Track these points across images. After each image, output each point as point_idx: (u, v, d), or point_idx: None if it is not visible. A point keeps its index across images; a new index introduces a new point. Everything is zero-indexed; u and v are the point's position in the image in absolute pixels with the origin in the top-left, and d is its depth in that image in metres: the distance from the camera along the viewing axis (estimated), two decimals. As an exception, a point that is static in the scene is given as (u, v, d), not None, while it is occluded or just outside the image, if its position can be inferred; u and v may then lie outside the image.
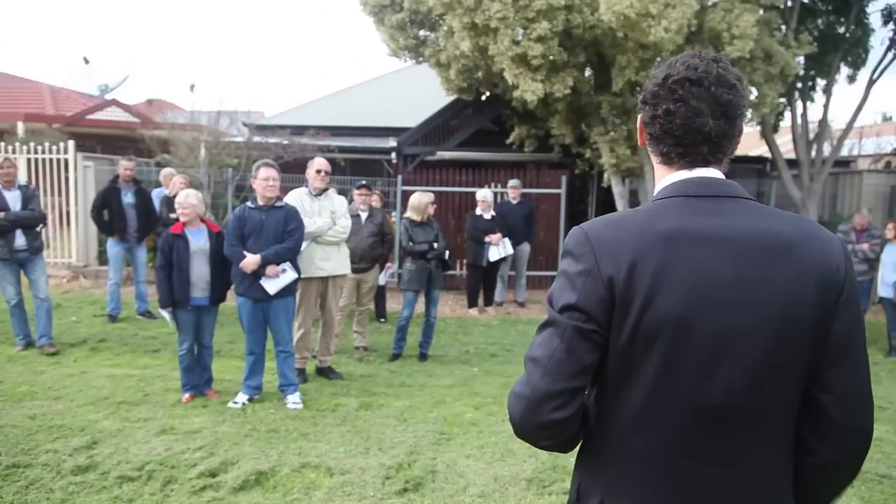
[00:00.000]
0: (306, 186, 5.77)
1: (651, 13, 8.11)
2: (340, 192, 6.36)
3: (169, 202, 7.56)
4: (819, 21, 11.74)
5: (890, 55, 11.81)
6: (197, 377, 5.22)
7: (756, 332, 1.15)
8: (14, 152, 10.34)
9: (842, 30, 11.63)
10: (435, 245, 6.48)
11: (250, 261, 4.89)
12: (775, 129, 12.40)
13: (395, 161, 13.07)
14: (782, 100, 11.45)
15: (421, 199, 6.58)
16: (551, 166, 12.89)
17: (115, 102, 16.43)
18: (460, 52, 10.36)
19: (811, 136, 11.99)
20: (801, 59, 10.97)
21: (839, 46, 11.50)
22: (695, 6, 8.28)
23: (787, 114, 12.18)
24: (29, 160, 10.44)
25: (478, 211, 8.79)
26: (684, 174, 1.26)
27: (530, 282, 10.51)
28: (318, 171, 5.71)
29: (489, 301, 9.44)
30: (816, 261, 1.18)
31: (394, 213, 10.44)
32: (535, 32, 8.94)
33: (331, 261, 5.79)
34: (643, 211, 1.24)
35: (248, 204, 5.13)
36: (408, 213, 6.67)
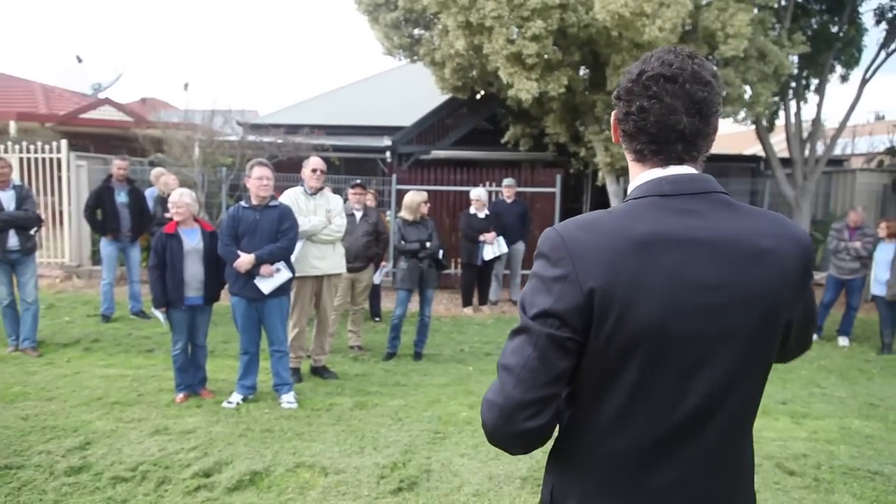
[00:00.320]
0: (302, 185, 5.77)
1: (645, 12, 8.12)
2: (335, 192, 6.35)
3: (163, 201, 7.53)
4: (812, 20, 11.78)
5: (882, 55, 11.86)
6: (191, 377, 5.21)
7: (735, 335, 1.16)
8: (6, 151, 10.28)
9: (835, 29, 11.68)
10: (428, 244, 6.48)
11: (244, 260, 4.87)
12: (770, 128, 12.44)
13: (389, 160, 13.06)
14: (776, 99, 11.50)
15: (414, 199, 6.58)
16: (546, 165, 12.89)
17: (108, 101, 16.35)
18: (455, 51, 10.35)
19: (805, 135, 12.04)
20: (795, 59, 11.00)
21: (832, 46, 11.54)
22: (689, 5, 8.30)
23: (781, 113, 12.22)
24: (21, 159, 10.38)
25: (472, 210, 8.79)
26: (658, 172, 1.24)
27: (525, 280, 10.45)
28: (314, 171, 5.70)
29: (484, 300, 9.45)
30: (790, 262, 1.20)
31: (388, 213, 10.44)
32: (530, 31, 8.94)
33: (326, 260, 5.80)
34: (618, 212, 1.20)
35: (242, 203, 5.12)
36: (401, 212, 6.68)
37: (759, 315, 1.17)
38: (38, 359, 6.14)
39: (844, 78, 12.47)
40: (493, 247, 8.73)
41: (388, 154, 13.11)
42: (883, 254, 7.68)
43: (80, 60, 19.83)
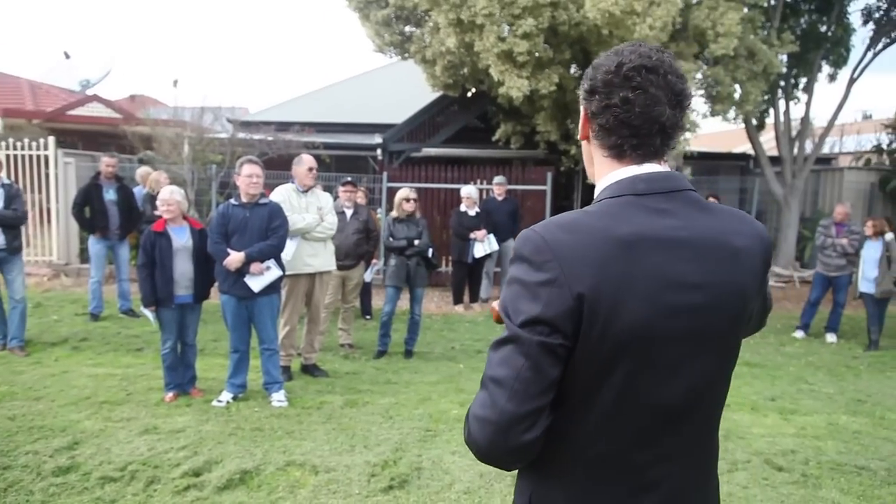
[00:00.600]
0: (292, 182, 5.75)
1: (636, 10, 8.14)
2: (326, 189, 6.34)
3: (152, 199, 7.49)
4: (801, 20, 11.86)
5: (870, 54, 11.96)
6: (180, 376, 5.18)
7: (714, 334, 1.18)
8: (-7, 148, 10.19)
9: (823, 29, 11.76)
10: (416, 242, 6.48)
11: (234, 258, 4.85)
12: (759, 126, 12.51)
13: (380, 158, 13.03)
14: (765, 97, 11.57)
15: (398, 195, 6.61)
16: (537, 163, 12.90)
17: (96, 98, 16.23)
18: (446, 49, 10.34)
19: (794, 133, 12.11)
20: (784, 58, 11.08)
21: (821, 45, 11.62)
22: (679, 4, 8.33)
23: (771, 111, 12.30)
24: (8, 156, 10.28)
25: (463, 207, 8.79)
26: (633, 170, 1.22)
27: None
28: (311, 169, 5.71)
29: (475, 297, 9.45)
30: (758, 260, 1.24)
31: (379, 210, 10.42)
32: (521, 29, 8.95)
33: (318, 257, 5.80)
34: (596, 213, 1.17)
35: (232, 201, 5.09)
36: (393, 210, 6.70)
37: (734, 313, 1.19)
38: (26, 358, 6.09)
39: (832, 77, 12.57)
40: (483, 244, 8.74)
41: (378, 152, 13.09)
42: (870, 251, 7.75)
43: (67, 56, 19.70)
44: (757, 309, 1.31)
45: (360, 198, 7.45)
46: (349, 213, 6.68)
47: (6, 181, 6.25)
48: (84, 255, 9.86)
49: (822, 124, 12.88)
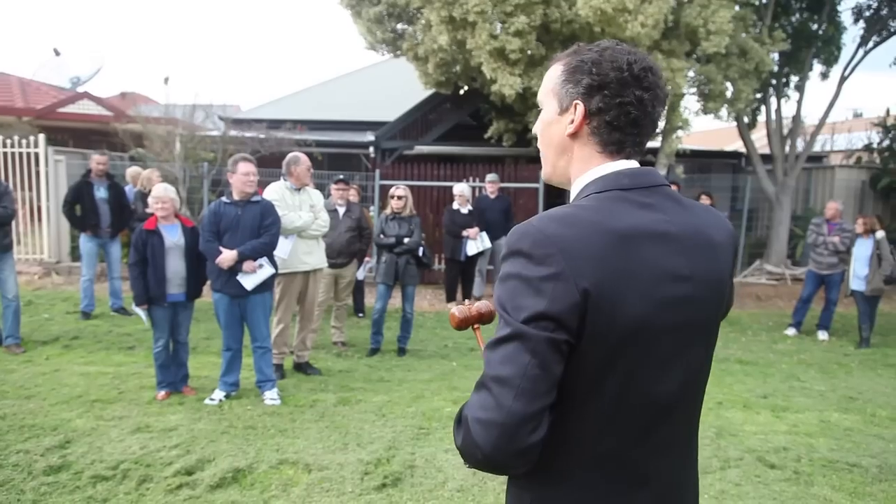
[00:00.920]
0: (284, 180, 5.73)
1: (628, 8, 8.16)
2: (318, 187, 6.33)
3: (143, 197, 7.45)
4: (793, 18, 11.91)
5: (861, 53, 12.02)
6: (172, 374, 5.16)
7: (702, 325, 1.22)
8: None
9: (815, 27, 11.81)
10: (406, 240, 6.48)
11: (227, 257, 4.83)
12: (751, 124, 12.55)
13: (372, 155, 13.01)
14: (757, 96, 11.61)
15: (389, 192, 6.65)
16: (529, 161, 12.91)
17: (86, 95, 16.12)
18: (438, 46, 10.32)
19: (785, 131, 12.16)
20: (776, 56, 11.11)
21: (812, 44, 11.66)
22: (671, 2, 8.35)
23: (762, 109, 12.34)
24: (-2, 154, 10.22)
25: (455, 205, 8.78)
26: (618, 165, 1.24)
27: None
28: (309, 168, 5.73)
29: (467, 295, 9.44)
30: (730, 253, 1.30)
31: (372, 208, 10.40)
32: (513, 27, 8.94)
33: (313, 255, 5.82)
34: (589, 207, 1.16)
35: (224, 199, 5.07)
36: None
37: (715, 304, 1.24)
38: (16, 357, 6.05)
39: (824, 75, 12.62)
40: (476, 242, 8.73)
41: (371, 149, 13.07)
42: (861, 249, 7.80)
43: (57, 54, 19.56)
44: (726, 300, 1.35)
45: (353, 196, 7.44)
46: (342, 211, 6.66)
47: (-5, 179, 6.21)
48: (75, 253, 9.80)
49: (813, 122, 12.93)
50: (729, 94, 10.25)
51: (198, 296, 5.19)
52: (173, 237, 4.95)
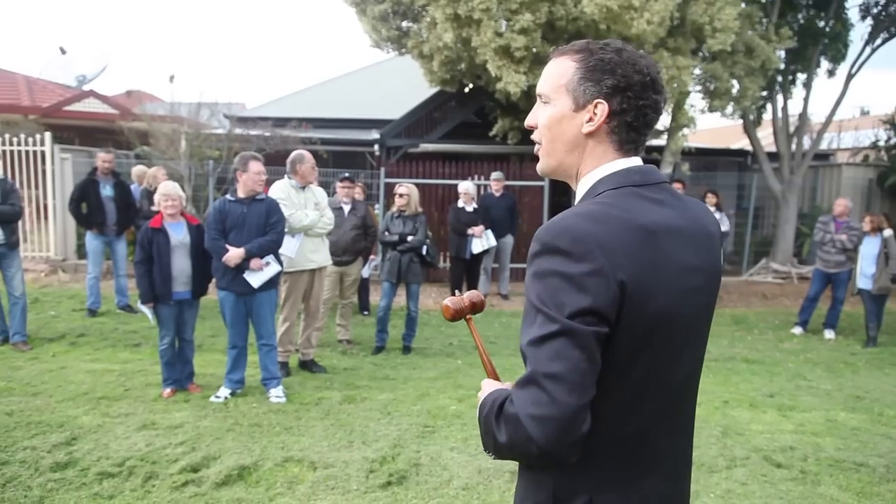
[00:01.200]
0: (289, 178, 5.73)
1: (633, 5, 8.13)
2: (323, 185, 6.34)
3: (149, 195, 7.47)
4: (799, 15, 11.85)
5: (868, 50, 11.95)
6: (178, 371, 5.17)
7: (707, 313, 1.32)
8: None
9: (821, 24, 11.75)
10: (410, 238, 6.48)
11: (234, 255, 4.84)
12: (757, 122, 12.50)
13: (378, 153, 12.99)
14: (763, 93, 11.56)
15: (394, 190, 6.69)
16: (534, 159, 12.77)
17: (92, 93, 16.14)
18: (443, 44, 10.31)
19: (791, 129, 12.11)
20: (782, 53, 11.06)
21: (819, 41, 11.61)
22: (677, -1, 8.31)
23: (768, 107, 12.29)
24: (4, 152, 10.24)
25: (460, 203, 8.78)
26: (629, 162, 1.29)
27: (513, 274, 10.52)
28: (314, 167, 5.75)
29: (473, 294, 9.43)
30: (720, 243, 1.37)
31: (377, 206, 10.40)
32: (518, 24, 8.92)
33: (319, 252, 5.85)
34: (611, 204, 1.20)
35: (228, 196, 5.07)
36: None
37: (715, 292, 1.34)
38: (23, 354, 6.08)
39: (831, 73, 12.56)
40: (481, 240, 8.72)
41: (376, 147, 13.05)
42: (868, 248, 7.75)
43: (63, 52, 19.60)
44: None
45: (358, 194, 7.44)
46: (347, 208, 6.66)
47: (1, 177, 6.23)
48: (81, 251, 9.83)
49: (820, 120, 12.89)
50: (735, 91, 10.20)
51: (203, 293, 5.20)
52: (179, 235, 4.96)
